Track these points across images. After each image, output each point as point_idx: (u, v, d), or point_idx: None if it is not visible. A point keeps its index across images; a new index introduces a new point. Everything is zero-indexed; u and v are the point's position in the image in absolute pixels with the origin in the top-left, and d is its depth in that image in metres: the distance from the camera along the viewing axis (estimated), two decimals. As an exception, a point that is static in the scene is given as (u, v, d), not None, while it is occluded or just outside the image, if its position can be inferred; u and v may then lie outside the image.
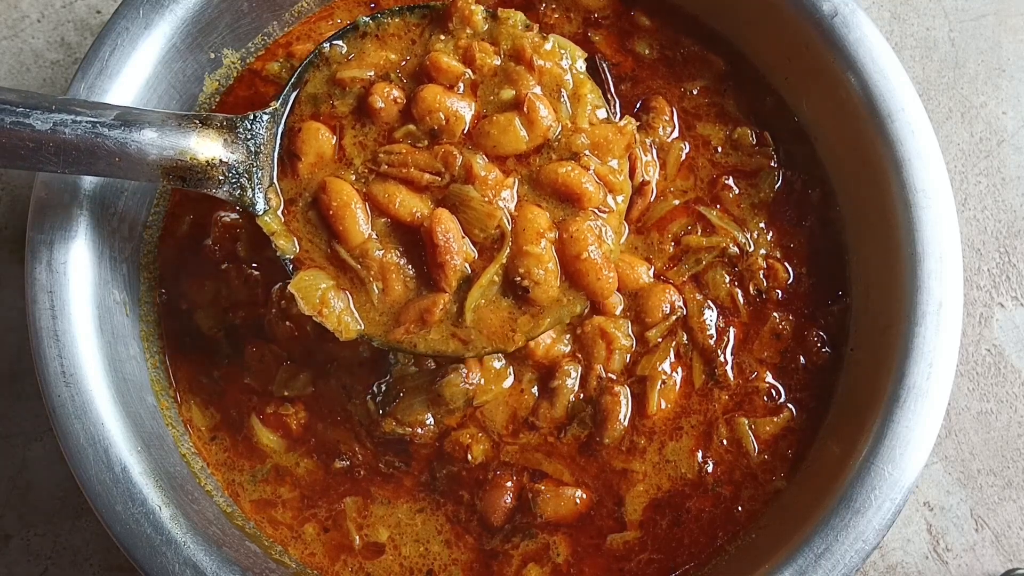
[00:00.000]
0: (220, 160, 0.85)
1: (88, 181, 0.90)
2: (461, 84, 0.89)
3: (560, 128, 0.88)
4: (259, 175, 0.87)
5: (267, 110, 0.89)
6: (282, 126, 0.90)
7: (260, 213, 0.87)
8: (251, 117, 0.88)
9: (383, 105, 0.88)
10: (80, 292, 0.88)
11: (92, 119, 0.80)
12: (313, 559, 0.93)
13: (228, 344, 0.97)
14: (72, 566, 1.03)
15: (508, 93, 0.88)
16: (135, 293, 0.97)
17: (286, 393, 0.95)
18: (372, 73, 0.90)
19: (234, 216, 0.99)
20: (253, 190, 0.87)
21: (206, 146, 0.84)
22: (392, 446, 0.94)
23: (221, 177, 0.85)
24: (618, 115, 1.00)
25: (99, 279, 0.91)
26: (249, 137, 0.87)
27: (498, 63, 0.89)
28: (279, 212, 0.88)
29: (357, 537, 0.93)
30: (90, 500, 0.85)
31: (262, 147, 0.88)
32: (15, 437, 1.06)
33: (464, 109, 0.87)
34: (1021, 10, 1.18)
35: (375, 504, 0.94)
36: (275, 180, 0.89)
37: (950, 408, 1.07)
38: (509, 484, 0.93)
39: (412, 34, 0.92)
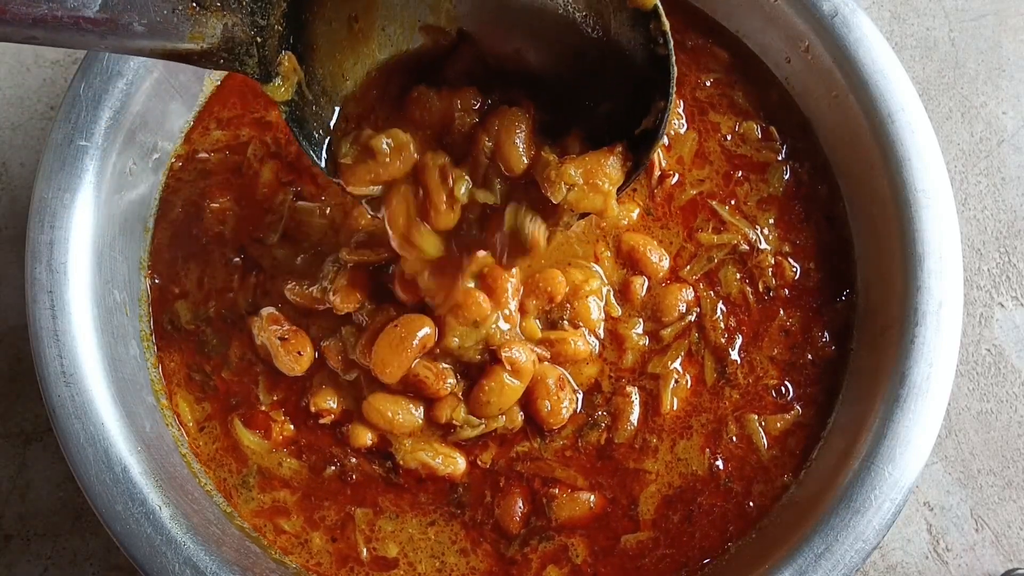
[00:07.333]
0: (219, 46, 0.76)
1: (88, 181, 0.90)
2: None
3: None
4: (268, 44, 0.79)
5: None
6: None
7: (266, 82, 0.80)
8: None
9: (327, 420, 0.93)
10: (80, 292, 0.88)
11: (73, 14, 0.68)
12: (319, 568, 0.92)
13: (214, 335, 0.96)
14: (72, 566, 1.03)
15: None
16: (135, 293, 0.96)
17: (272, 398, 0.95)
18: (379, 188, 0.85)
19: (223, 200, 0.99)
20: (260, 60, 0.79)
21: (203, 37, 0.75)
22: (378, 451, 0.93)
23: (220, 60, 0.77)
24: None
25: (99, 279, 0.91)
26: (257, 9, 0.78)
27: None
28: (292, 71, 0.80)
29: (364, 550, 0.92)
30: (90, 500, 0.85)
31: (272, 12, 0.79)
32: (15, 437, 1.06)
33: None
34: (1021, 10, 1.18)
35: (383, 518, 0.92)
36: (287, 42, 0.80)
37: (950, 408, 1.07)
38: (518, 491, 0.92)
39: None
